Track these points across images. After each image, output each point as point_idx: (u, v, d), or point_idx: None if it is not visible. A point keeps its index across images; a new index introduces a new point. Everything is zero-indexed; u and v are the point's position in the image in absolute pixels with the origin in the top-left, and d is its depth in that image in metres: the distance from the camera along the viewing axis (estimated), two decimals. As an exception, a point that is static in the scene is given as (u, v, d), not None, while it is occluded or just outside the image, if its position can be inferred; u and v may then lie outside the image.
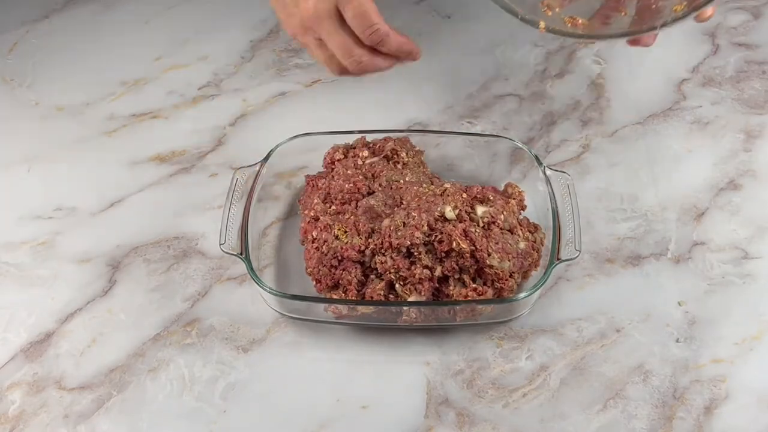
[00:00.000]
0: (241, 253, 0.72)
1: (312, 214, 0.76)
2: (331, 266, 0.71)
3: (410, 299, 0.70)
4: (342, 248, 0.72)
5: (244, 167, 0.79)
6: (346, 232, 0.73)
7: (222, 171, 0.87)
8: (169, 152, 0.89)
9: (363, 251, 0.72)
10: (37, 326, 0.74)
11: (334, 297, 0.71)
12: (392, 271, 0.70)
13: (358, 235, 0.73)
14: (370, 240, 0.72)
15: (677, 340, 0.72)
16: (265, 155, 0.79)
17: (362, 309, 0.70)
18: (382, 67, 0.69)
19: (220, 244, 0.72)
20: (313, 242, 0.74)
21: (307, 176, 0.81)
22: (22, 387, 0.70)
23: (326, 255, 0.72)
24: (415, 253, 0.71)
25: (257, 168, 0.78)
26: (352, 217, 0.74)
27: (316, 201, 0.77)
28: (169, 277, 0.78)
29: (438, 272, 0.71)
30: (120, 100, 0.96)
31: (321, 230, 0.74)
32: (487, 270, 0.70)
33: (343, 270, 0.71)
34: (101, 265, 0.79)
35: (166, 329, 0.74)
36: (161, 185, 0.86)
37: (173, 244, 0.80)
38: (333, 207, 0.76)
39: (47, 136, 0.92)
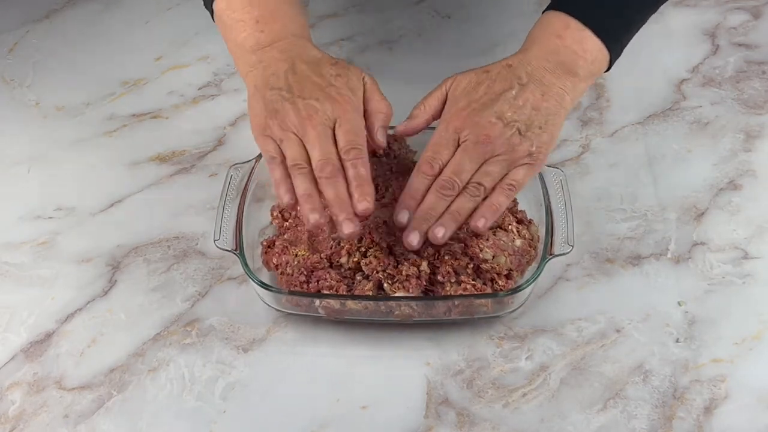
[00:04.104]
0: (236, 249, 0.72)
1: (266, 243, 0.76)
2: (302, 282, 0.71)
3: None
4: (304, 259, 0.71)
5: (238, 164, 0.79)
6: (301, 252, 0.72)
7: (222, 171, 0.86)
8: (169, 152, 0.89)
9: (330, 257, 0.71)
10: (37, 326, 0.74)
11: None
12: (379, 269, 0.70)
13: (318, 245, 0.72)
14: (341, 244, 0.71)
15: (677, 340, 0.72)
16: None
17: (352, 305, 0.70)
18: (337, 195, 0.66)
19: (214, 240, 0.72)
20: (277, 269, 0.73)
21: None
22: (22, 387, 0.70)
23: (292, 275, 0.71)
24: (399, 251, 0.70)
25: (252, 165, 0.78)
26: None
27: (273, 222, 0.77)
28: (169, 277, 0.78)
29: (424, 267, 0.70)
30: (120, 100, 0.96)
31: (280, 254, 0.74)
32: (483, 266, 0.70)
33: (318, 281, 0.70)
34: (101, 265, 0.79)
35: (166, 329, 0.74)
36: (161, 185, 0.86)
37: (173, 244, 0.80)
38: (288, 222, 0.76)
39: (47, 136, 0.92)
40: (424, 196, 0.68)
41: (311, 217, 0.65)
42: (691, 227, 0.80)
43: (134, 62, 1.00)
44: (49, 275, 0.78)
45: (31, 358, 0.72)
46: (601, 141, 0.89)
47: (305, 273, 0.71)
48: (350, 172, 0.67)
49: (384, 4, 1.07)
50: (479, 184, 0.68)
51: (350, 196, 0.66)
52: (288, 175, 0.68)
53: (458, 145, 0.69)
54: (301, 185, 0.67)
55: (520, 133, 0.69)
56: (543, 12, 0.76)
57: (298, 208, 0.69)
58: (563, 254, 0.71)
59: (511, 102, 0.70)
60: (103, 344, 0.73)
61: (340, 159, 0.67)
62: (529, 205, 0.78)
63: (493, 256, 0.71)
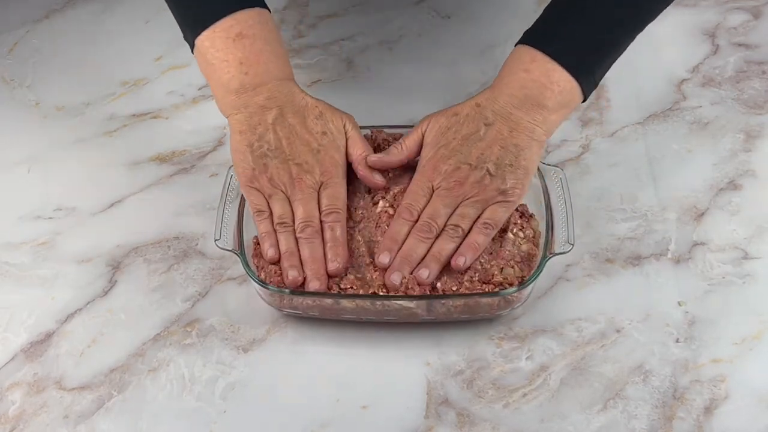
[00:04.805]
0: (237, 249, 0.72)
1: (255, 241, 0.75)
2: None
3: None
4: (275, 273, 0.71)
5: None
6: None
7: (222, 171, 0.87)
8: (169, 152, 0.90)
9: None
10: (37, 326, 0.75)
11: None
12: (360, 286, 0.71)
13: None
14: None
15: (677, 340, 0.72)
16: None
17: (347, 304, 0.70)
18: (312, 254, 0.71)
19: (215, 240, 0.72)
20: (258, 269, 0.73)
21: None
22: (22, 387, 0.70)
23: (265, 281, 0.71)
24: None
25: None
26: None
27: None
28: (170, 277, 0.78)
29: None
30: (120, 100, 0.96)
31: (260, 256, 0.74)
32: (494, 280, 0.70)
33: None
34: (101, 265, 0.79)
35: (166, 329, 0.74)
36: (161, 185, 0.86)
37: (173, 244, 0.80)
38: None
39: (47, 136, 0.92)
40: (404, 241, 0.72)
41: (290, 273, 0.70)
42: (691, 227, 0.80)
43: (134, 62, 1.00)
44: (49, 275, 0.78)
45: (31, 358, 0.72)
46: (601, 141, 0.89)
47: (276, 284, 0.71)
48: (327, 234, 0.73)
49: (384, 4, 1.07)
50: (456, 225, 0.72)
51: (325, 255, 0.72)
52: (273, 230, 0.73)
53: (431, 192, 0.73)
54: (285, 243, 0.72)
55: (489, 173, 0.72)
56: (515, 45, 0.77)
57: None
58: (564, 253, 0.71)
59: (477, 144, 0.73)
60: (103, 344, 0.73)
61: (320, 219, 0.73)
62: (528, 203, 0.78)
63: (501, 269, 0.71)
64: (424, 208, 0.73)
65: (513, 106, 0.73)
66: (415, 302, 0.70)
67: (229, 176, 0.77)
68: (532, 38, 0.75)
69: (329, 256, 0.72)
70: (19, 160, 0.89)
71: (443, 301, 0.70)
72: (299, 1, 1.08)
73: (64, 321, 0.75)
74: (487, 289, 0.70)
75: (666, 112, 0.92)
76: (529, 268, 0.72)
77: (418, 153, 0.76)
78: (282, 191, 0.73)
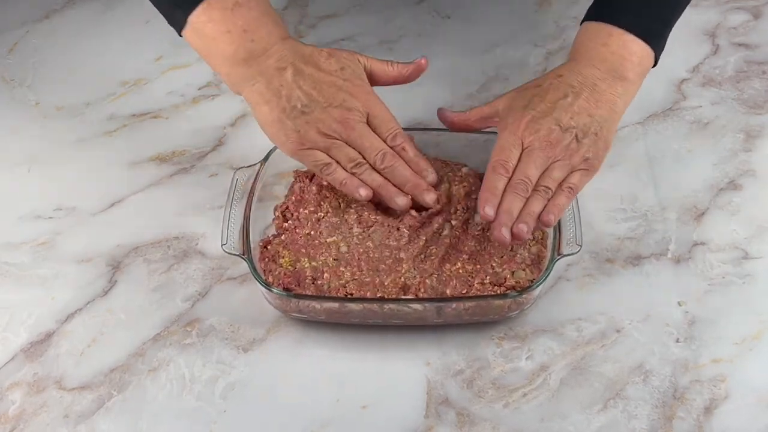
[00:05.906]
0: (243, 254, 0.72)
1: (262, 244, 0.75)
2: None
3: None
4: (285, 275, 0.71)
5: (243, 167, 0.79)
6: (285, 263, 0.73)
7: (222, 171, 0.87)
8: (169, 152, 0.89)
9: (314, 277, 0.72)
10: (37, 326, 0.74)
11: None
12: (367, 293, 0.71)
13: (307, 257, 0.73)
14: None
15: (677, 340, 0.72)
16: (265, 155, 0.79)
17: (354, 307, 0.70)
18: (406, 175, 0.73)
19: (222, 245, 0.72)
20: (264, 273, 0.73)
21: (296, 172, 0.81)
22: (22, 387, 0.70)
23: (272, 285, 0.71)
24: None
25: (257, 168, 0.78)
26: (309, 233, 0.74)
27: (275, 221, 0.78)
28: (170, 277, 0.78)
29: (432, 282, 0.71)
30: (120, 100, 0.96)
31: (268, 261, 0.74)
32: (506, 284, 0.70)
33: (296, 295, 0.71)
34: (101, 265, 0.79)
35: (166, 329, 0.74)
36: (161, 185, 0.86)
37: (173, 244, 0.80)
38: (288, 223, 0.76)
39: (47, 136, 0.92)
40: (501, 195, 0.71)
41: (399, 200, 0.73)
42: (691, 227, 0.80)
43: (134, 62, 1.00)
44: (49, 275, 0.78)
45: (31, 358, 0.72)
46: (601, 141, 0.89)
47: (282, 286, 0.71)
48: (404, 156, 0.74)
49: (384, 4, 1.07)
50: (547, 187, 0.72)
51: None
52: (351, 174, 0.73)
53: (522, 150, 0.73)
54: (372, 180, 0.73)
55: (577, 139, 0.73)
56: (581, 23, 0.78)
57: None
58: (572, 254, 0.71)
59: (567, 108, 0.74)
60: (103, 344, 0.73)
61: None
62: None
63: (513, 273, 0.71)
64: (515, 165, 0.72)
65: (597, 78, 0.75)
66: (425, 305, 0.69)
67: (235, 179, 0.77)
68: (602, 14, 0.77)
69: (420, 171, 0.74)
70: (19, 160, 0.89)
71: (454, 305, 0.70)
72: (299, 1, 1.08)
73: (64, 321, 0.75)
74: (498, 292, 0.70)
75: (666, 112, 0.92)
76: (539, 269, 0.72)
77: (485, 124, 0.78)
78: (336, 138, 0.73)
